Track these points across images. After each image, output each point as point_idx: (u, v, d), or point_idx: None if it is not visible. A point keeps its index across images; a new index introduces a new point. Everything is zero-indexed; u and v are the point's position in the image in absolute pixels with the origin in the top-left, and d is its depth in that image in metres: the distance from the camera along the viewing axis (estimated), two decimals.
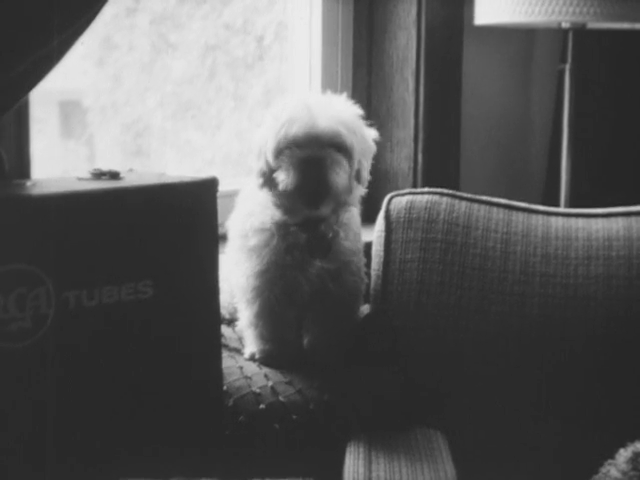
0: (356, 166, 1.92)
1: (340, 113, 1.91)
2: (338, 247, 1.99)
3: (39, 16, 1.58)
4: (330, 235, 1.97)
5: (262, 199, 1.96)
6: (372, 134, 1.99)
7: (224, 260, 1.97)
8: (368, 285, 2.12)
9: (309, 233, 1.96)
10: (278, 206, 1.94)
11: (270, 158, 1.89)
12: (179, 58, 2.68)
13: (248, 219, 2.00)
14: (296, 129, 1.86)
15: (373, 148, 1.99)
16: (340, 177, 1.87)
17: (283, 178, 1.87)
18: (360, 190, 1.99)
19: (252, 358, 2.01)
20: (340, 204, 1.95)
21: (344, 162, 1.88)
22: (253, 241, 1.98)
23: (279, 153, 1.88)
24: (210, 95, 2.74)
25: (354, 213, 2.05)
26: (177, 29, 2.67)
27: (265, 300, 1.99)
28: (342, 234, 1.99)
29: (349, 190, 1.92)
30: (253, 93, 2.81)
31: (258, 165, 1.93)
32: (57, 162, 2.55)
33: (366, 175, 1.97)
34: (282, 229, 1.95)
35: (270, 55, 2.81)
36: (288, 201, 1.91)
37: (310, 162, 1.85)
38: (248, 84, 2.79)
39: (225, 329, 2.10)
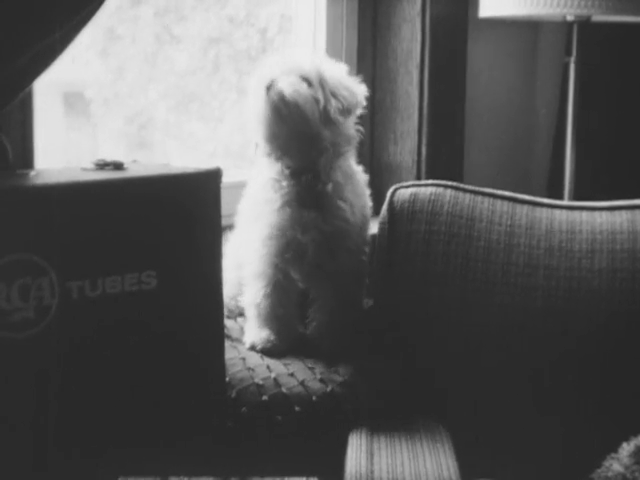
0: (323, 100, 1.98)
1: (323, 64, 2.02)
2: (331, 204, 2.02)
3: (42, 7, 1.58)
4: (318, 187, 2.01)
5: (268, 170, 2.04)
6: (361, 89, 2.06)
7: (227, 251, 1.99)
8: (371, 276, 2.12)
9: (298, 184, 2.01)
10: (271, 153, 2.02)
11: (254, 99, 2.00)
12: (182, 50, 2.68)
13: (261, 190, 2.06)
14: (272, 64, 1.99)
15: (359, 105, 2.05)
16: (307, 99, 1.94)
17: (257, 109, 1.98)
18: (345, 151, 2.05)
19: (253, 348, 2.02)
20: (319, 148, 1.99)
21: (303, 85, 1.95)
22: (257, 208, 2.05)
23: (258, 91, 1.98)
24: (213, 87, 2.73)
25: (353, 179, 2.08)
26: (180, 21, 2.67)
27: (271, 274, 2.02)
28: (330, 188, 2.01)
29: (318, 120, 1.97)
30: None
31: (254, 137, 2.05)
32: (60, 153, 2.55)
33: (353, 138, 2.05)
34: (276, 185, 2.02)
35: (273, 47, 2.81)
36: (268, 130, 1.98)
37: (271, 86, 1.95)
38: (251, 76, 2.79)
39: (227, 320, 2.10)
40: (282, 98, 1.92)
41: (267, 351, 2.00)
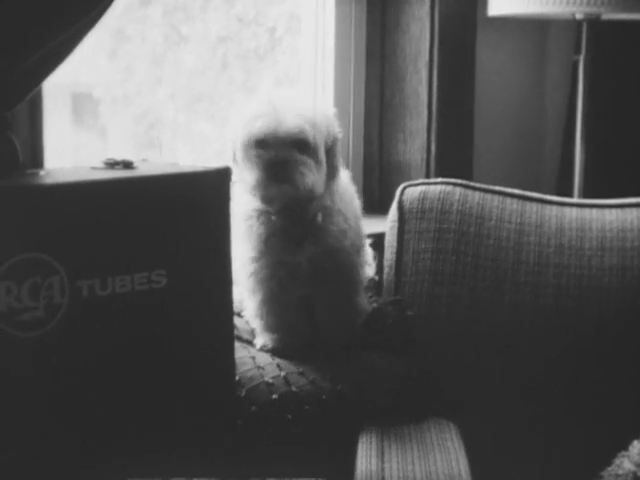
0: (323, 161, 1.93)
1: (305, 110, 1.92)
2: (320, 232, 1.98)
3: (50, 8, 1.58)
4: (308, 219, 1.97)
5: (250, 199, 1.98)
6: (337, 127, 2.00)
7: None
8: (380, 274, 2.12)
9: (287, 219, 1.97)
10: (254, 196, 1.95)
11: (238, 157, 1.92)
12: (191, 50, 2.68)
13: (237, 206, 2.01)
14: (260, 128, 1.88)
15: (339, 136, 2.00)
16: (306, 176, 1.88)
17: (250, 178, 1.89)
18: (335, 181, 2.01)
19: (263, 349, 2.02)
20: (310, 194, 1.94)
21: (309, 161, 1.89)
22: (242, 228, 2.00)
23: (245, 152, 1.90)
24: (222, 87, 2.73)
25: (342, 197, 2.04)
26: (189, 21, 2.67)
27: (266, 287, 2.00)
28: (320, 218, 1.98)
29: (319, 185, 1.92)
30: (265, 85, 2.81)
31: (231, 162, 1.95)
32: (69, 154, 2.56)
33: (339, 167, 1.99)
34: (262, 216, 1.97)
35: (282, 47, 2.81)
36: (255, 192, 1.92)
37: (275, 163, 1.87)
38: (260, 76, 2.79)
39: (237, 320, 2.10)
40: (295, 188, 1.88)
41: (278, 351, 2.00)
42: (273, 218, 1.97)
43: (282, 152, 1.87)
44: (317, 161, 1.91)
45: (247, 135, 1.89)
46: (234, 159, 1.95)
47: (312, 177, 1.89)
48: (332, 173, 1.97)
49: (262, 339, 2.04)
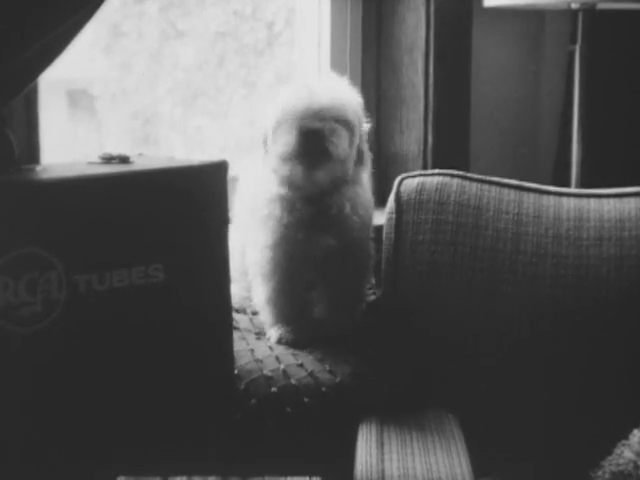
0: (357, 142, 1.95)
1: (342, 93, 1.96)
2: (345, 222, 2.00)
3: (44, 2, 1.58)
4: (334, 210, 1.99)
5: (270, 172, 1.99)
6: (366, 123, 2.03)
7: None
8: (379, 266, 2.12)
9: (313, 208, 1.98)
10: (280, 179, 1.96)
11: (270, 131, 1.93)
12: (188, 45, 2.68)
13: (260, 190, 2.02)
14: (296, 102, 1.90)
15: (366, 125, 2.03)
16: (339, 147, 1.90)
17: (281, 147, 1.90)
18: (364, 170, 2.03)
19: (279, 341, 2.01)
20: (341, 178, 1.97)
21: (343, 132, 1.91)
22: (265, 211, 2.00)
23: (279, 126, 1.92)
24: (220, 82, 2.73)
25: (364, 188, 2.06)
26: (186, 16, 2.67)
27: (282, 272, 2.01)
28: (348, 209, 2.00)
29: (349, 162, 1.95)
30: (263, 79, 2.81)
31: (263, 143, 1.98)
32: (66, 151, 2.56)
33: (367, 153, 2.02)
34: (288, 204, 1.98)
35: (280, 41, 2.81)
36: (287, 169, 1.93)
37: (309, 132, 1.88)
38: (258, 70, 2.79)
39: (236, 315, 2.10)
40: (328, 158, 1.90)
41: (294, 342, 2.00)
42: (298, 206, 1.97)
43: (318, 122, 1.89)
44: (352, 138, 1.93)
45: (282, 111, 1.91)
46: (265, 143, 1.97)
47: (345, 149, 1.91)
48: (361, 158, 1.99)
49: (275, 331, 2.03)
